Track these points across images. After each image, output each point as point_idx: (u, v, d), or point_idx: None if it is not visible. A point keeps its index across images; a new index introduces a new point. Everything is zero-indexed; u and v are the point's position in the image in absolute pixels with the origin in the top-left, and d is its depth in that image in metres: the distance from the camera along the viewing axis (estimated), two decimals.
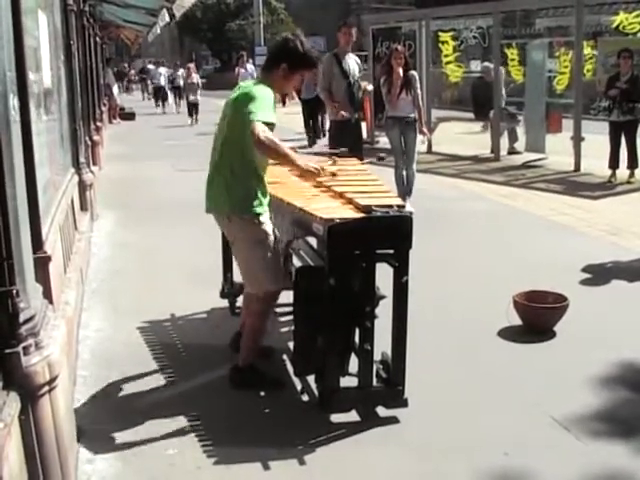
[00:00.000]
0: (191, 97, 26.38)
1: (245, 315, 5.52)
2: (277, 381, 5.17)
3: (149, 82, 39.52)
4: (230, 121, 4.90)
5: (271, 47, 5.16)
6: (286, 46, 4.98)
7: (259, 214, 4.90)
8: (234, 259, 5.52)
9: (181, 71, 32.52)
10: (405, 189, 10.50)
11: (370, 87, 10.03)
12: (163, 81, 33.66)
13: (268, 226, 4.98)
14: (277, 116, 4.87)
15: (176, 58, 50.32)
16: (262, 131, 4.57)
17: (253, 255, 4.96)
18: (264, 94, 4.78)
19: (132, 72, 53.29)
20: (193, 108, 26.08)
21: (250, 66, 25.64)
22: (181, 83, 31.73)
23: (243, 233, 4.96)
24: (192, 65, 29.98)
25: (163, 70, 35.67)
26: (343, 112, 9.69)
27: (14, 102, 3.66)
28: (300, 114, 21.47)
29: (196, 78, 27.45)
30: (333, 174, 5.39)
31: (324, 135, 20.71)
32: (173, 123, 25.60)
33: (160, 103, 33.34)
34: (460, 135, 18.45)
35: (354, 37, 9.87)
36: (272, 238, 5.00)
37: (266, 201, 5.00)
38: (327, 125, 19.43)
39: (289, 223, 5.30)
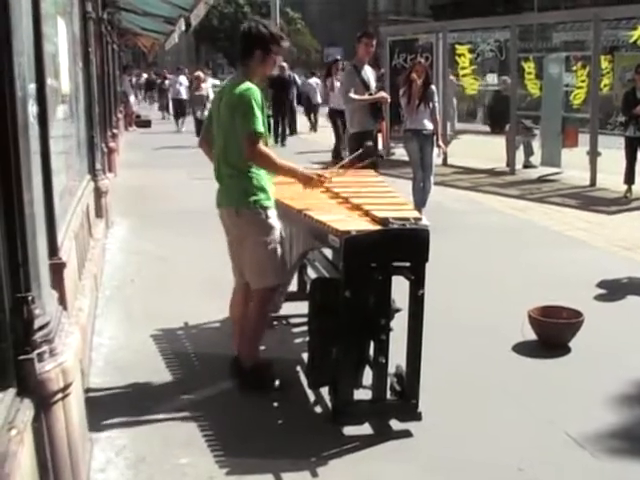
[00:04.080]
0: (199, 113, 21.78)
1: (237, 333, 5.54)
2: (280, 382, 5.22)
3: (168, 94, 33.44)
4: (228, 124, 5.03)
5: (239, 37, 5.24)
6: (252, 33, 5.14)
7: (267, 207, 5.01)
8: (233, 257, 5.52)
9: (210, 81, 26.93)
10: (421, 201, 10.49)
11: (388, 98, 10.03)
12: (184, 93, 27.92)
13: (275, 221, 5.08)
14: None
15: (192, 66, 50.38)
16: (254, 146, 4.86)
17: (262, 248, 5.04)
18: (253, 97, 4.92)
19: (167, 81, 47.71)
20: (201, 127, 21.93)
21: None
22: (184, 96, 27.47)
23: (252, 227, 5.04)
24: (201, 73, 24.97)
25: (184, 79, 29.35)
26: (384, 94, 9.79)
27: (33, 108, 3.67)
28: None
29: (205, 90, 22.70)
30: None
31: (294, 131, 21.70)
32: (189, 131, 25.28)
33: (180, 121, 27.61)
34: (475, 148, 18.40)
35: (373, 48, 9.84)
36: (279, 233, 5.10)
37: (272, 194, 5.11)
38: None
39: (305, 234, 5.30)
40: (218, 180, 5.21)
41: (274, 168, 5.09)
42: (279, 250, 5.10)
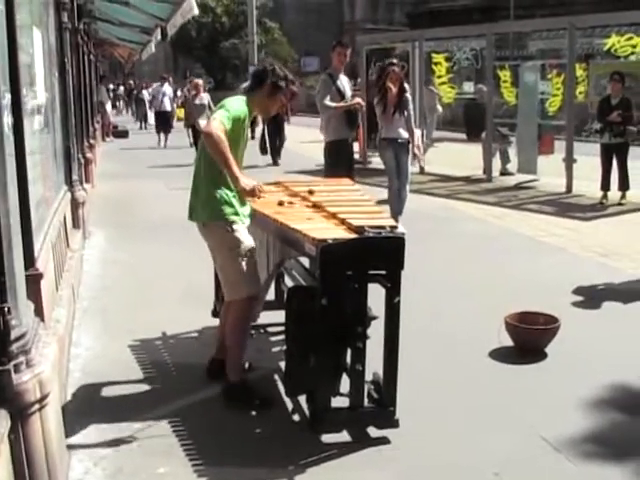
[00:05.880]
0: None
1: (222, 337, 5.57)
2: (270, 400, 5.16)
3: (147, 105, 32.67)
4: None
5: (254, 71, 5.56)
6: (269, 68, 5.27)
7: (232, 222, 5.03)
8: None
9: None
10: (397, 209, 10.51)
11: (362, 101, 10.08)
12: (168, 104, 25.73)
13: (242, 234, 5.08)
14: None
15: (171, 76, 50.03)
16: (215, 127, 4.84)
17: (228, 261, 5.11)
18: (237, 108, 5.04)
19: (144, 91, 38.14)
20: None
21: None
22: (168, 107, 25.27)
23: (217, 240, 5.13)
24: (200, 81, 21.77)
25: (168, 89, 26.55)
26: (359, 99, 9.81)
27: (8, 119, 3.67)
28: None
29: (206, 98, 20.02)
30: (280, 203, 5.55)
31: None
32: (173, 146, 24.80)
33: (163, 136, 25.11)
34: (452, 156, 18.49)
35: (348, 58, 9.85)
36: (246, 245, 5.09)
37: (243, 210, 5.15)
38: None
39: (281, 242, 5.31)
40: (191, 190, 5.26)
41: (220, 155, 4.85)
42: (248, 262, 5.11)
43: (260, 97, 5.23)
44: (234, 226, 5.04)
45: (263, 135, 20.89)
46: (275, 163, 19.78)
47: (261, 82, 5.22)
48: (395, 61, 11.17)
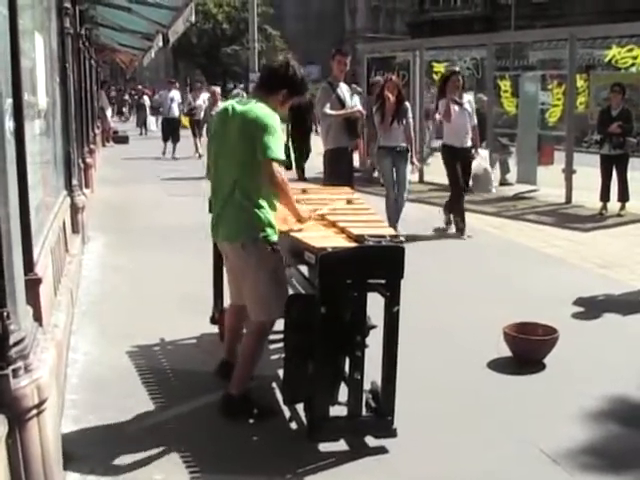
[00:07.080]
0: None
1: (230, 342, 5.59)
2: (270, 410, 5.13)
3: (148, 111, 33.15)
4: (243, 150, 4.86)
5: (270, 70, 5.22)
6: (287, 73, 5.04)
7: (274, 242, 4.89)
8: (228, 283, 5.56)
9: (204, 96, 22.43)
10: (394, 218, 10.50)
11: (363, 111, 10.11)
12: (177, 110, 24.35)
13: (280, 254, 4.98)
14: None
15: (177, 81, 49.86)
16: (277, 172, 4.79)
17: (266, 282, 4.93)
18: (277, 124, 4.86)
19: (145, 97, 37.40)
20: None
21: None
22: (176, 114, 23.97)
23: (258, 260, 4.89)
24: (218, 89, 21.00)
25: (176, 95, 24.88)
26: (359, 107, 9.82)
27: (9, 124, 3.67)
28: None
29: None
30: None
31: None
32: (168, 147, 24.94)
33: (171, 144, 23.36)
34: None
35: (348, 66, 9.85)
36: (283, 265, 5.05)
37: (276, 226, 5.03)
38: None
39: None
40: (219, 208, 5.05)
41: (286, 198, 4.99)
42: (281, 284, 5.05)
43: (272, 102, 5.00)
44: (275, 247, 4.90)
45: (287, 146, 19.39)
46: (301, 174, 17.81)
47: (276, 87, 5.02)
48: (457, 69, 11.19)
